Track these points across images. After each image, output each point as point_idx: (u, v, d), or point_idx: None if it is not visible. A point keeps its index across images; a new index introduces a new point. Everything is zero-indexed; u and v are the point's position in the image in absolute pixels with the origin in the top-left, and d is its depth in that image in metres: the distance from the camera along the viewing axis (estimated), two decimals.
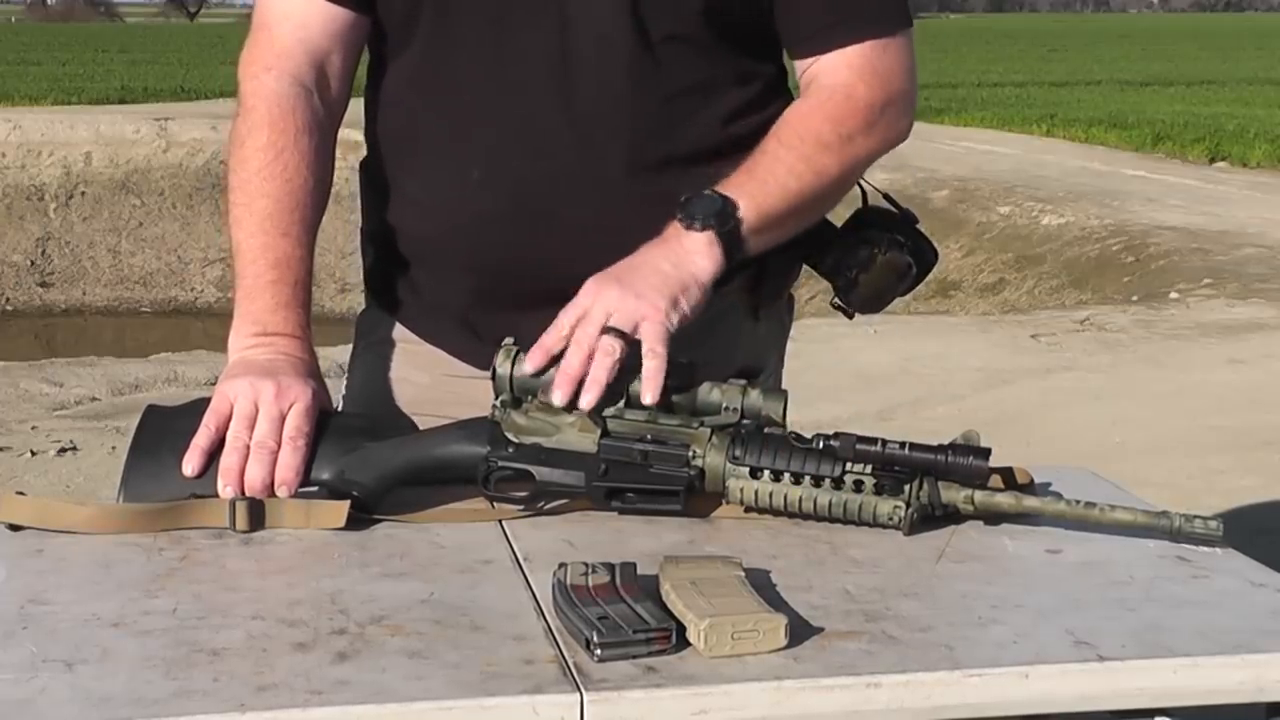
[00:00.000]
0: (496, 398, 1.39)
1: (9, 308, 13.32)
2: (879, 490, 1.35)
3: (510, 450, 1.38)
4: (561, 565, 1.19)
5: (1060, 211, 10.60)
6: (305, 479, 1.39)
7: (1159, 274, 8.76)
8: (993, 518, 1.39)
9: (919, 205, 10.76)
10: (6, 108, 16.44)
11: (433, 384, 1.63)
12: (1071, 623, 1.17)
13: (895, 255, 1.65)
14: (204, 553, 1.30)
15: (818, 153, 1.53)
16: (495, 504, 1.40)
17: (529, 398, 1.39)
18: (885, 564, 1.30)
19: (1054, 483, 1.48)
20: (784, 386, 1.69)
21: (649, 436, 1.37)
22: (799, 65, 1.60)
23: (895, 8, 1.60)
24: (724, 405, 1.37)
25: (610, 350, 1.36)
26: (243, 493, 1.36)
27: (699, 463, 1.36)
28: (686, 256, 1.44)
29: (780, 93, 1.64)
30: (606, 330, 1.37)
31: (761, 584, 1.20)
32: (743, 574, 1.18)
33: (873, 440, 1.34)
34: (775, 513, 1.38)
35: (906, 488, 1.35)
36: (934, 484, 1.36)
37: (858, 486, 1.35)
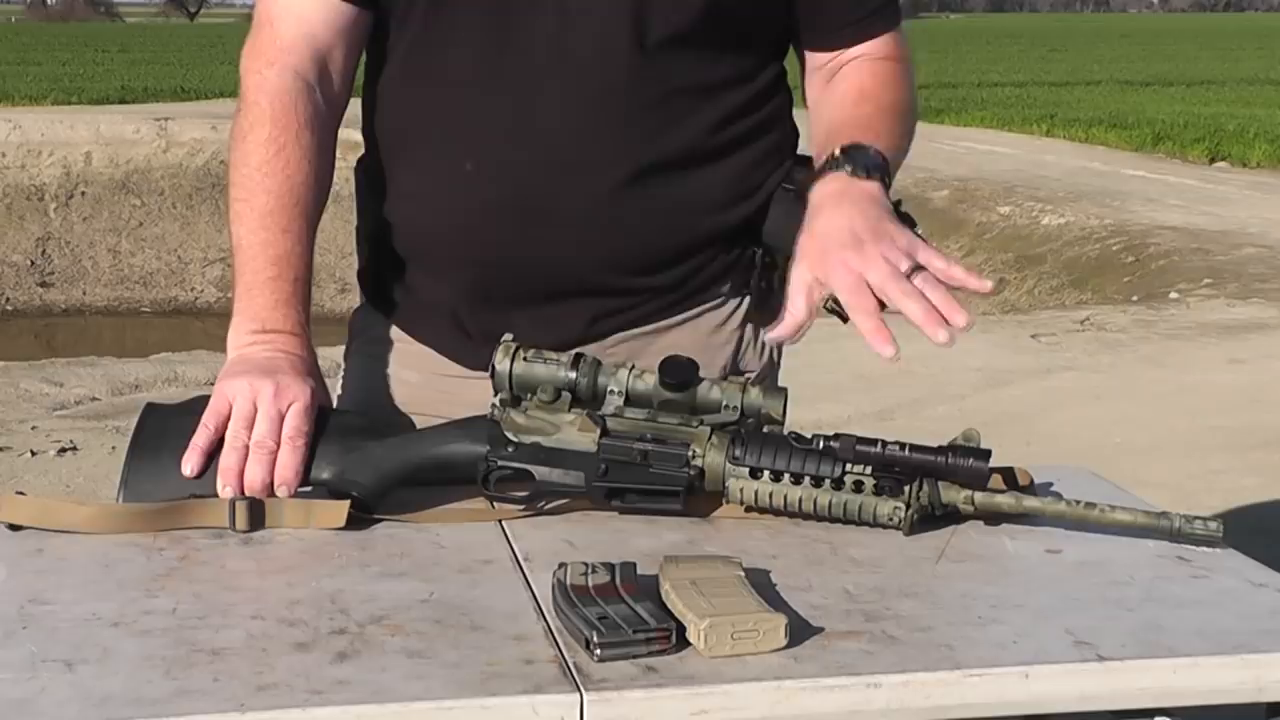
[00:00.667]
0: (496, 395, 1.39)
1: (9, 308, 13.32)
2: (879, 491, 1.35)
3: (510, 450, 1.38)
4: (561, 565, 1.19)
5: (1060, 211, 10.60)
6: (305, 479, 1.39)
7: (1159, 274, 8.77)
8: (993, 518, 1.39)
9: (919, 205, 10.80)
10: (6, 108, 16.44)
11: (424, 384, 1.63)
12: (1071, 623, 1.17)
13: None
14: (204, 553, 1.30)
15: (900, 120, 1.59)
16: (495, 504, 1.40)
17: (528, 396, 1.39)
18: (885, 564, 1.30)
19: (1054, 483, 1.48)
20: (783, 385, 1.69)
21: (649, 435, 1.37)
22: (817, 57, 1.64)
23: (897, 6, 1.66)
24: (724, 403, 1.37)
25: (930, 282, 1.36)
26: (242, 493, 1.37)
27: (699, 462, 1.36)
28: (877, 196, 1.46)
29: (779, 91, 1.64)
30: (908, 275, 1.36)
31: (761, 584, 1.20)
32: (743, 574, 1.18)
33: (873, 441, 1.34)
34: (775, 512, 1.38)
35: (906, 489, 1.35)
36: (934, 484, 1.36)
37: (858, 487, 1.35)
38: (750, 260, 1.61)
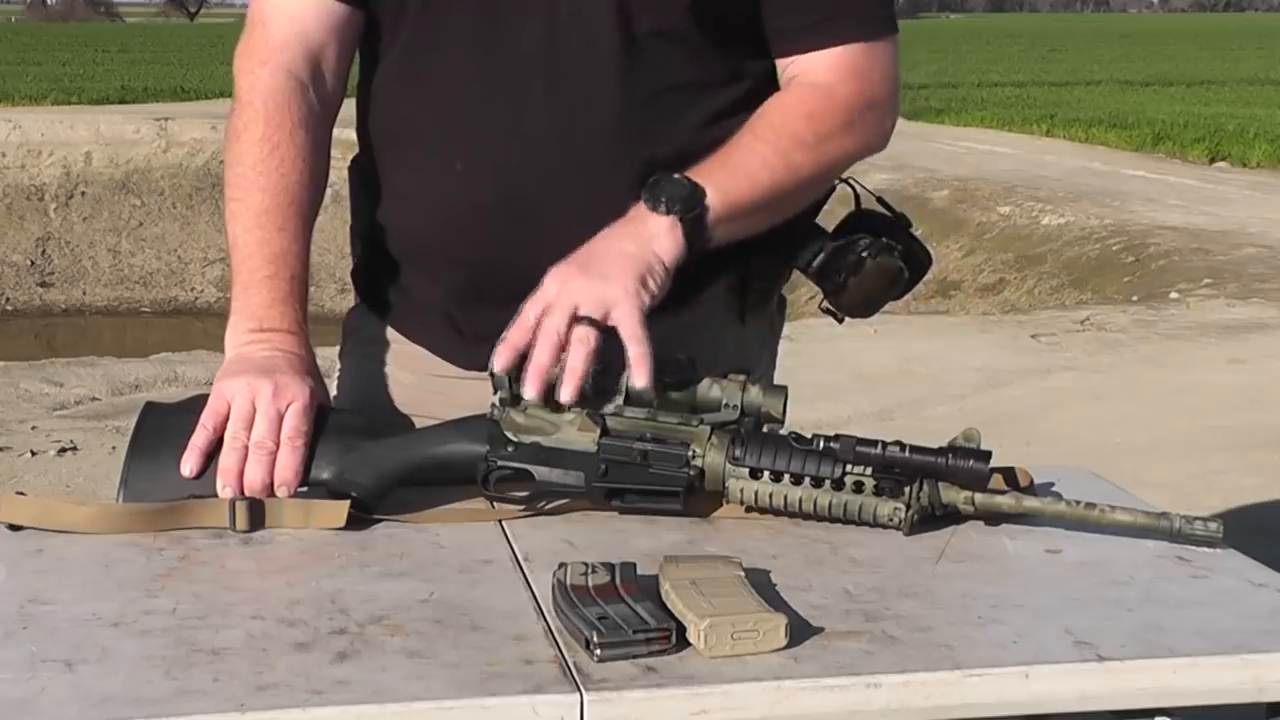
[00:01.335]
0: (495, 394, 1.39)
1: (9, 308, 13.32)
2: (879, 492, 1.35)
3: (509, 449, 1.38)
4: (561, 565, 1.19)
5: (1060, 211, 10.60)
6: (305, 478, 1.39)
7: (1159, 274, 8.77)
8: (993, 518, 1.39)
9: (919, 205, 10.81)
10: (6, 108, 16.45)
11: (418, 384, 1.63)
12: (1071, 623, 1.17)
13: (886, 260, 1.65)
14: (204, 553, 1.30)
15: (793, 148, 1.52)
16: (495, 504, 1.40)
17: None
18: (885, 564, 1.30)
19: (1054, 483, 1.48)
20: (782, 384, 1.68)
21: (649, 435, 1.36)
22: (781, 63, 1.59)
23: (880, 12, 1.60)
24: (724, 402, 1.37)
25: (585, 339, 1.35)
26: (242, 493, 1.37)
27: (699, 462, 1.36)
28: (650, 238, 1.43)
29: (768, 91, 1.63)
30: (578, 320, 1.36)
31: (761, 584, 1.20)
32: (743, 574, 1.18)
33: (873, 442, 1.34)
34: (775, 513, 1.38)
35: (907, 490, 1.35)
36: (934, 485, 1.36)
37: (858, 488, 1.35)
38: (740, 259, 1.61)
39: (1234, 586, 1.27)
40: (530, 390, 1.35)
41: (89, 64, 26.12)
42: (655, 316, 1.40)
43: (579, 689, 1.04)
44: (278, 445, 1.38)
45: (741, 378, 1.38)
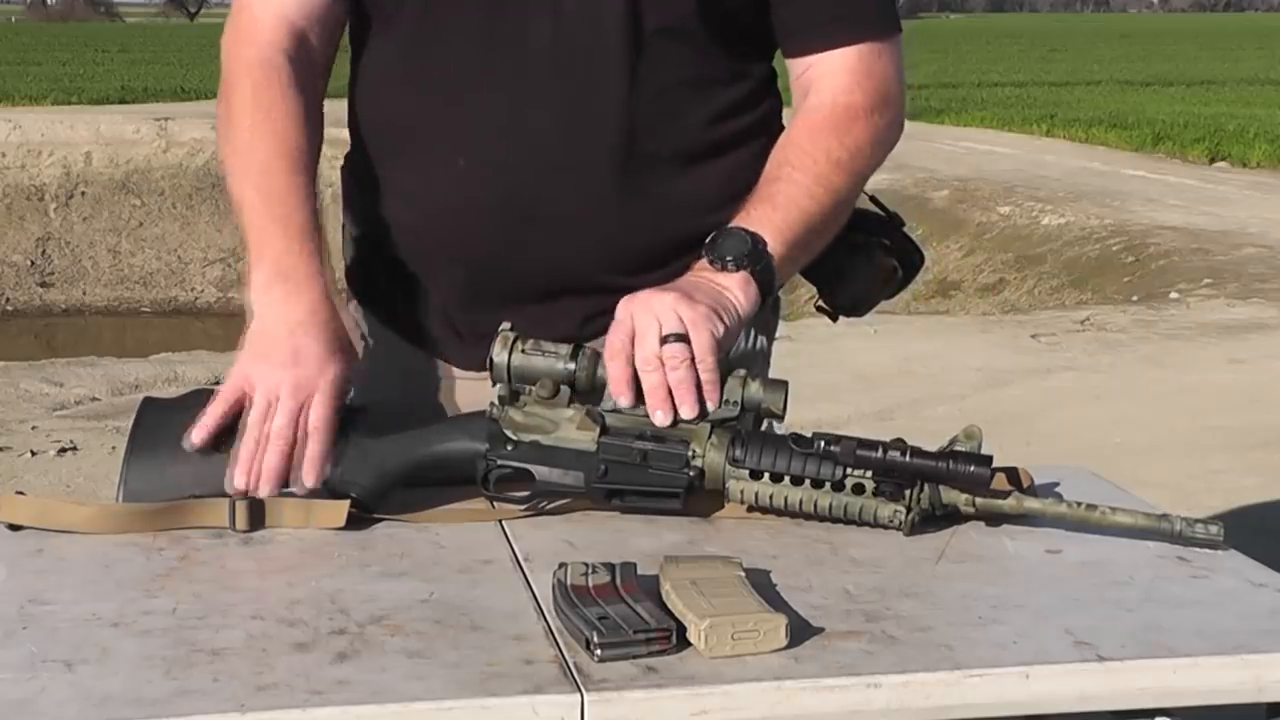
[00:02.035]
0: (495, 386, 1.39)
1: (9, 308, 13.32)
2: (879, 494, 1.35)
3: (509, 448, 1.38)
4: (561, 565, 1.19)
5: (1060, 211, 10.60)
6: (329, 468, 1.38)
7: (1159, 274, 8.76)
8: (993, 518, 1.38)
9: (919, 205, 10.80)
10: (6, 108, 16.44)
11: (414, 384, 1.62)
12: (1071, 623, 1.17)
13: (880, 258, 1.65)
14: (204, 552, 1.30)
15: (830, 171, 1.52)
16: (495, 504, 1.40)
17: (526, 390, 1.38)
18: (885, 564, 1.30)
19: (1054, 483, 1.48)
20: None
21: (648, 433, 1.36)
22: (794, 64, 1.59)
23: (889, 12, 1.60)
24: (724, 398, 1.37)
25: (681, 357, 1.35)
26: (259, 484, 1.36)
27: (699, 462, 1.36)
28: (725, 291, 1.43)
29: (770, 92, 1.64)
30: (664, 340, 1.35)
31: (761, 584, 1.20)
32: (743, 574, 1.18)
33: (874, 445, 1.34)
34: (776, 513, 1.38)
35: (907, 492, 1.35)
36: (934, 487, 1.35)
37: (858, 490, 1.35)
38: None
39: (1234, 587, 1.27)
40: (662, 418, 1.35)
41: (89, 64, 26.11)
42: None
43: (579, 689, 1.04)
44: (296, 438, 1.37)
45: (742, 373, 1.38)
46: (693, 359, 1.35)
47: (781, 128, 1.61)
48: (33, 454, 4.87)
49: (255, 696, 1.02)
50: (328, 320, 1.44)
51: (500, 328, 1.39)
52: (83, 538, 1.32)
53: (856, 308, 1.71)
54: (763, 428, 1.39)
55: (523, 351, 1.38)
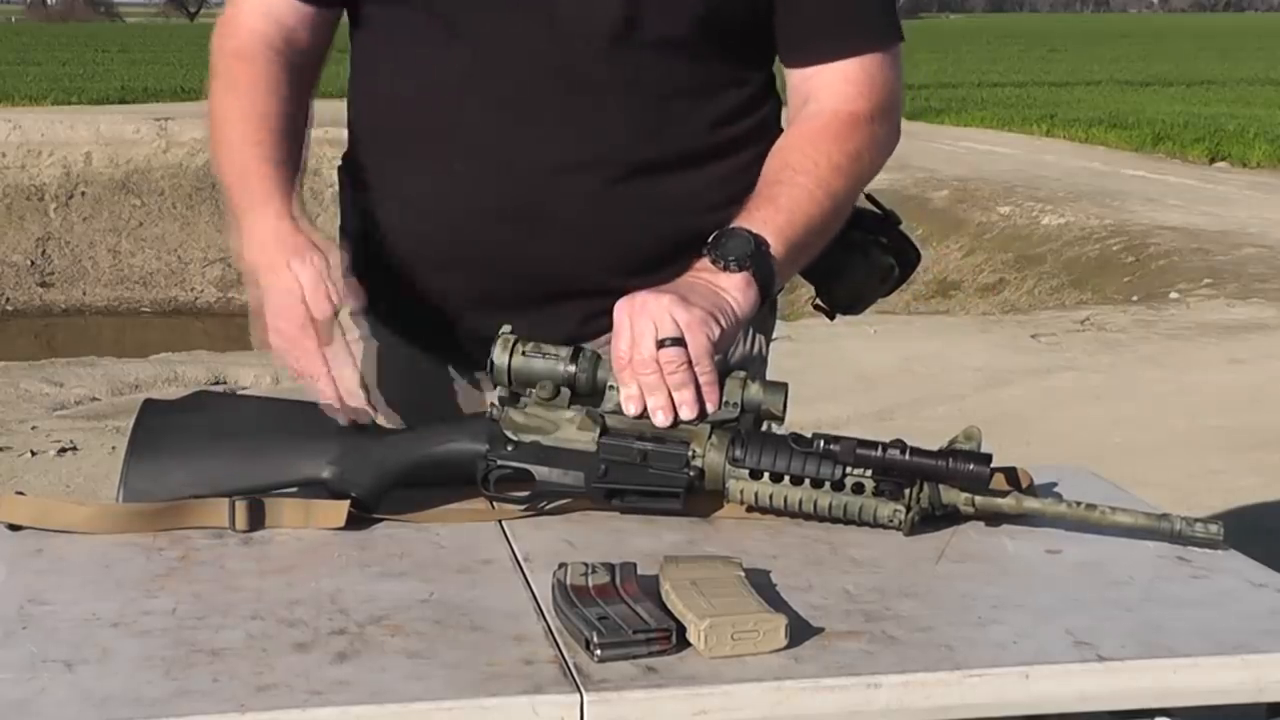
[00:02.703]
0: (494, 389, 1.39)
1: (9, 308, 13.32)
2: (879, 493, 1.35)
3: (509, 449, 1.38)
4: (561, 565, 1.19)
5: (1060, 211, 10.60)
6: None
7: (1159, 274, 8.77)
8: (993, 518, 1.38)
9: (919, 205, 10.80)
10: (6, 108, 16.43)
11: (410, 386, 1.62)
12: (1071, 623, 1.17)
13: (877, 256, 1.65)
14: (204, 553, 1.30)
15: (831, 176, 1.52)
16: (495, 504, 1.40)
17: (526, 391, 1.38)
18: (885, 564, 1.30)
19: (1054, 483, 1.48)
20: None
21: (648, 433, 1.36)
22: (794, 74, 1.59)
23: (891, 21, 1.60)
24: (724, 399, 1.37)
25: (677, 361, 1.35)
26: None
27: (698, 462, 1.36)
28: (723, 292, 1.42)
29: (770, 96, 1.63)
30: (660, 344, 1.35)
31: (761, 584, 1.20)
32: (743, 574, 1.18)
33: (873, 445, 1.34)
34: (775, 513, 1.38)
35: (907, 491, 1.35)
36: (934, 486, 1.35)
37: (858, 489, 1.35)
38: None
39: (1234, 587, 1.27)
40: (663, 420, 1.36)
41: (89, 64, 26.10)
42: None
43: (579, 689, 1.04)
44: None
45: (741, 374, 1.38)
46: (690, 362, 1.35)
47: (780, 131, 1.61)
48: (33, 454, 4.87)
49: (255, 696, 1.02)
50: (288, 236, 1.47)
51: (500, 330, 1.39)
52: (83, 538, 1.32)
53: (853, 306, 1.71)
54: (762, 429, 1.39)
55: (523, 354, 1.38)
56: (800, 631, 1.13)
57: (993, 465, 1.35)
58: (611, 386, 1.37)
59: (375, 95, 1.62)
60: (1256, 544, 1.50)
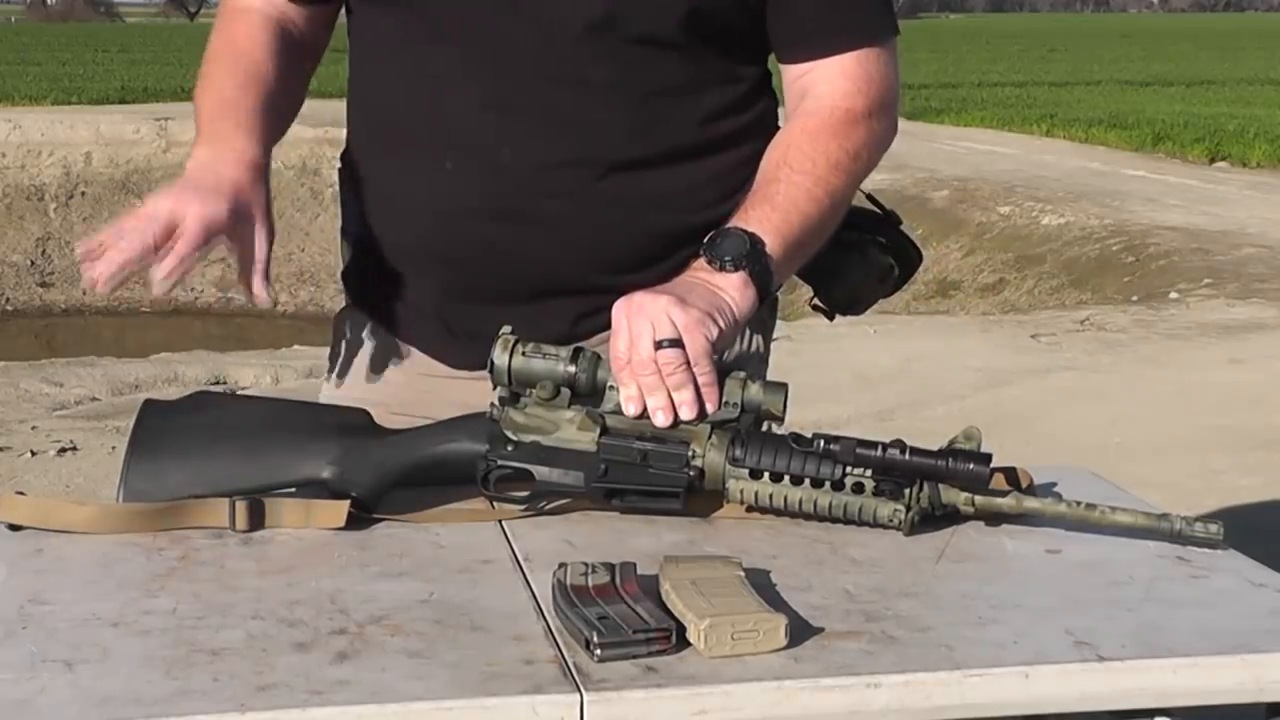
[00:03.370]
0: (495, 389, 1.39)
1: (9, 308, 13.32)
2: (879, 493, 1.35)
3: (509, 449, 1.38)
4: (561, 565, 1.19)
5: (1060, 211, 10.60)
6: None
7: (1159, 274, 8.77)
8: (993, 518, 1.38)
9: (919, 205, 10.80)
10: (6, 108, 16.43)
11: (409, 384, 1.63)
12: (1071, 623, 1.17)
13: (876, 256, 1.65)
14: (204, 552, 1.30)
15: (829, 173, 1.52)
16: (495, 504, 1.40)
17: (526, 391, 1.38)
18: (885, 564, 1.30)
19: (1054, 483, 1.48)
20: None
21: (648, 434, 1.36)
22: (790, 70, 1.58)
23: (887, 16, 1.60)
24: (724, 400, 1.37)
25: (676, 362, 1.34)
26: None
27: (699, 462, 1.36)
28: (721, 292, 1.42)
29: (764, 93, 1.63)
30: (658, 345, 1.35)
31: (761, 584, 1.20)
32: (743, 574, 1.18)
33: (873, 444, 1.34)
34: (775, 513, 1.38)
35: (907, 491, 1.35)
36: (934, 486, 1.35)
37: (858, 489, 1.35)
38: None
39: (1234, 586, 1.27)
40: (663, 420, 1.36)
41: (89, 64, 26.09)
42: None
43: (579, 689, 1.04)
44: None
45: (741, 374, 1.38)
46: (688, 363, 1.35)
47: (776, 127, 1.61)
48: (33, 454, 4.87)
49: (255, 696, 1.02)
50: (235, 178, 1.46)
51: (500, 331, 1.39)
52: (83, 538, 1.32)
53: (852, 306, 1.71)
54: (762, 429, 1.39)
55: (523, 354, 1.38)
56: (800, 631, 1.13)
57: (993, 465, 1.35)
58: (611, 387, 1.38)
59: (368, 95, 1.63)
60: (1256, 544, 1.50)
